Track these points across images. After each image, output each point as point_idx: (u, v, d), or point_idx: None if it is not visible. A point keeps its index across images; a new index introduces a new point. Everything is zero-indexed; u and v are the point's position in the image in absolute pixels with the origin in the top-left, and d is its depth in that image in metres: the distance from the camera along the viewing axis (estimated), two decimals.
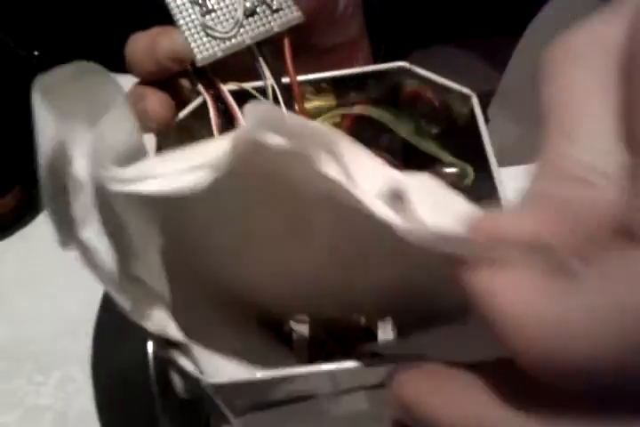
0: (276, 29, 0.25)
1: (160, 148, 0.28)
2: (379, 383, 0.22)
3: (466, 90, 0.28)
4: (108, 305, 0.31)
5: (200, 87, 0.27)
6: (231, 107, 0.26)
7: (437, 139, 0.32)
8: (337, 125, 0.32)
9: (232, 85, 0.27)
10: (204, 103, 0.28)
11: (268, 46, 0.26)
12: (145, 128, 0.28)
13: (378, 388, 0.22)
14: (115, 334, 0.29)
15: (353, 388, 0.22)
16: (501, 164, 0.27)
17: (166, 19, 0.27)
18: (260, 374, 0.20)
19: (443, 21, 0.41)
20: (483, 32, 0.44)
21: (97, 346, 0.29)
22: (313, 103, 0.30)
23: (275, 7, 0.25)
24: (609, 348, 0.11)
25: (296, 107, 0.27)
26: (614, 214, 0.12)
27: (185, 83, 0.28)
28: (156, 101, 0.27)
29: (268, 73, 0.27)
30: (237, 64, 0.27)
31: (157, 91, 0.27)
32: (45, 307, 0.41)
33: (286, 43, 0.26)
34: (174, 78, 0.28)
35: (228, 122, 0.28)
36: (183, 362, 0.20)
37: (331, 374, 0.21)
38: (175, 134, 0.29)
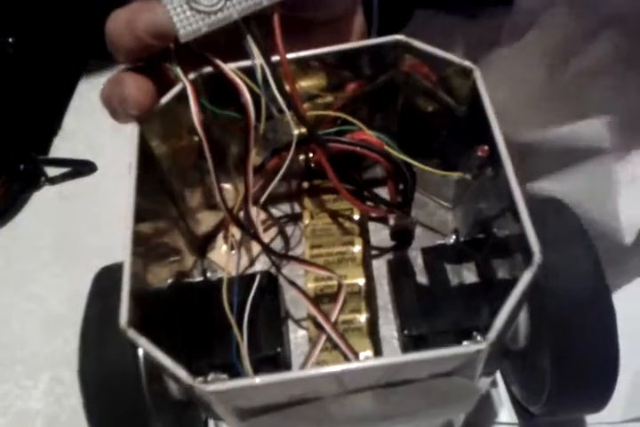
0: (265, 3, 0.23)
1: (144, 136, 0.26)
2: (385, 384, 0.20)
3: (467, 63, 0.27)
4: (94, 304, 0.29)
5: (178, 70, 0.25)
6: (235, 83, 0.25)
7: (436, 117, 0.30)
8: (329, 106, 0.30)
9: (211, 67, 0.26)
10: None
11: (256, 22, 0.24)
12: (125, 115, 0.26)
13: (384, 388, 0.21)
14: (102, 334, 0.27)
15: (359, 388, 0.21)
16: None
17: None
18: (259, 379, 0.18)
19: None
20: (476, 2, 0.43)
21: (84, 346, 0.27)
22: (303, 83, 0.28)
23: None
24: None
25: (287, 87, 0.25)
26: None
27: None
28: (135, 87, 0.25)
29: (256, 51, 0.25)
30: (222, 43, 0.25)
31: (136, 75, 0.25)
32: (32, 308, 0.39)
33: (276, 17, 0.23)
34: (159, 60, 0.26)
35: (217, 104, 0.27)
36: (175, 368, 0.18)
37: (334, 376, 0.19)
38: (160, 120, 0.27)
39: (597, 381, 0.25)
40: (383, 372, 0.20)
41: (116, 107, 0.25)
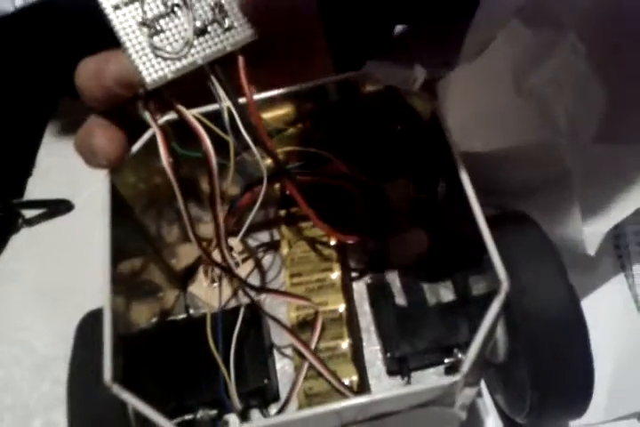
0: (228, 49, 0.24)
1: (114, 183, 0.27)
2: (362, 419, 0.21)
3: (426, 95, 0.28)
4: (79, 354, 0.29)
5: (147, 117, 0.26)
6: (196, 130, 0.25)
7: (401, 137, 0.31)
8: (296, 137, 0.31)
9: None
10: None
11: (222, 66, 0.25)
12: (97, 165, 0.26)
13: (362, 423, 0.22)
14: (88, 385, 0.27)
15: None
16: None
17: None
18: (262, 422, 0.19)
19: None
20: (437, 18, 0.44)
21: (72, 389, 0.27)
22: (268, 116, 0.29)
23: (227, 25, 0.24)
24: None
25: (256, 127, 0.26)
26: None
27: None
28: (104, 139, 0.26)
29: (222, 94, 0.25)
30: (191, 88, 0.26)
31: (106, 126, 0.26)
32: (17, 353, 0.39)
33: (240, 61, 0.24)
34: (128, 107, 0.27)
35: (188, 145, 0.27)
36: (162, 421, 0.19)
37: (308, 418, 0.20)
38: (131, 165, 0.28)
39: (574, 392, 0.26)
40: (357, 410, 0.21)
41: (87, 157, 0.26)
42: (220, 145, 0.27)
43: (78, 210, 0.47)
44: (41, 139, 0.52)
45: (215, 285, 0.33)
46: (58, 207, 0.46)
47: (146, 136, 0.27)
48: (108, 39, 0.25)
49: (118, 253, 0.27)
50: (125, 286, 0.27)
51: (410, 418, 0.21)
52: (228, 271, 0.29)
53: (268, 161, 0.27)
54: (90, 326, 0.31)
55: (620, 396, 0.34)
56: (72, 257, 0.43)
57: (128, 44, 0.24)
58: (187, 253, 0.35)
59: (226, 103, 0.25)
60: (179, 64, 0.24)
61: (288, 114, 0.30)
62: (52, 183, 0.49)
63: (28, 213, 0.46)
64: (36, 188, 0.49)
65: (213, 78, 0.25)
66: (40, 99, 0.52)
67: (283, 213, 0.34)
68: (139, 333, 0.28)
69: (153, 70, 0.24)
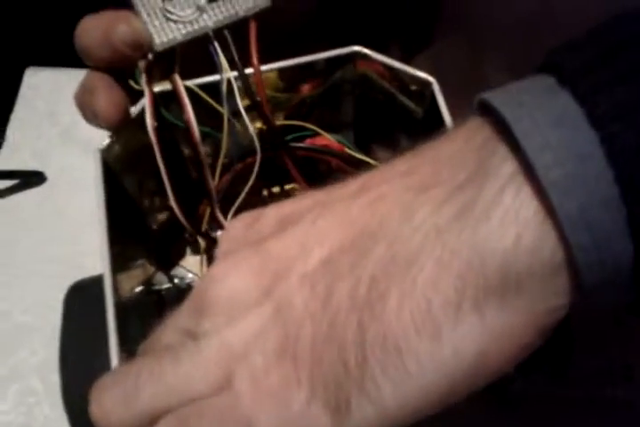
0: (241, 14, 0.25)
1: (113, 142, 0.27)
2: None
3: (424, 75, 0.28)
4: (70, 314, 0.29)
5: (143, 82, 0.26)
6: (180, 95, 0.26)
7: (393, 117, 0.32)
8: (284, 107, 0.31)
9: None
10: (159, 96, 0.27)
11: (231, 33, 0.25)
12: (94, 125, 0.27)
13: None
14: (81, 342, 0.27)
15: None
16: None
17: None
18: None
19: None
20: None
21: (62, 355, 0.27)
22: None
23: None
24: None
25: (258, 98, 0.26)
26: None
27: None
28: (107, 101, 0.26)
29: (224, 63, 0.26)
30: (196, 57, 0.26)
31: (110, 85, 0.26)
32: None
33: (252, 28, 0.25)
34: (127, 71, 0.27)
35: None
36: None
37: None
38: (130, 127, 0.28)
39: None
40: None
41: (88, 116, 0.26)
42: (214, 116, 0.27)
43: (51, 182, 0.46)
44: (10, 111, 0.51)
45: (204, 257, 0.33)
46: (30, 179, 0.46)
47: (144, 100, 0.27)
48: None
49: (110, 220, 0.27)
50: (114, 256, 0.27)
51: None
52: (213, 241, 0.30)
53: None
54: (77, 297, 0.31)
55: None
56: (45, 228, 0.43)
57: (141, 8, 0.25)
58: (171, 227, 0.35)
59: (226, 74, 0.26)
60: (190, 28, 0.25)
61: (278, 88, 0.31)
62: (24, 156, 0.48)
63: (0, 185, 0.45)
64: (8, 160, 0.48)
65: (217, 45, 0.25)
66: (6, 70, 0.51)
67: (265, 191, 0.35)
68: (127, 302, 0.28)
69: (163, 33, 0.25)
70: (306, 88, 0.31)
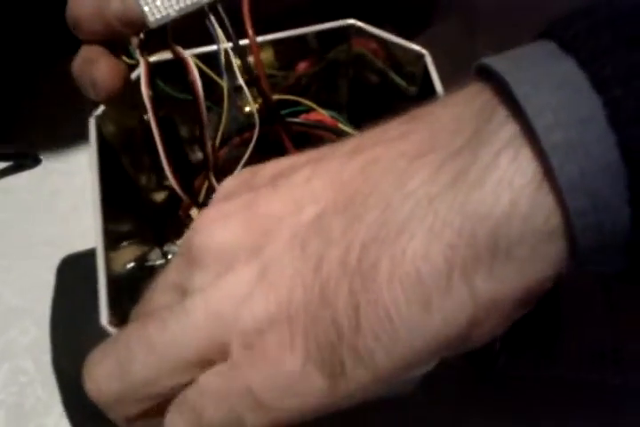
0: None
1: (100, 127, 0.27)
2: None
3: (417, 48, 0.28)
4: (61, 291, 0.29)
5: (138, 54, 0.26)
6: (189, 68, 0.26)
7: (386, 95, 0.32)
8: (279, 84, 0.31)
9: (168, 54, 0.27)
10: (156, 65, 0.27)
11: (224, 7, 0.25)
12: (92, 96, 0.26)
13: None
14: (72, 321, 0.27)
15: None
16: None
17: None
18: None
19: None
20: None
21: (54, 334, 0.27)
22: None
23: None
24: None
25: (255, 71, 0.26)
26: None
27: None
28: (108, 68, 0.26)
29: (221, 35, 0.26)
30: (188, 28, 0.26)
31: (109, 55, 0.26)
32: None
33: (245, 1, 0.25)
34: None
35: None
36: None
37: None
38: (122, 105, 0.28)
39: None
40: None
41: (86, 87, 0.26)
42: (209, 89, 0.27)
43: (45, 164, 0.46)
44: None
45: None
46: (24, 161, 0.46)
47: (137, 72, 0.27)
48: None
49: (105, 195, 0.27)
50: (107, 232, 0.27)
51: None
52: None
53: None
54: (68, 271, 0.31)
55: None
56: (39, 209, 0.43)
57: None
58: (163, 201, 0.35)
59: (223, 45, 0.26)
60: (183, 3, 0.25)
61: (274, 67, 0.31)
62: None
63: None
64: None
65: (213, 18, 0.25)
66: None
67: None
68: (120, 278, 0.28)
69: (157, 10, 0.25)
70: (302, 67, 0.31)
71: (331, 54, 0.30)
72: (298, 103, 0.31)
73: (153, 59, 0.27)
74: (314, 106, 0.31)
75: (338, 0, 0.34)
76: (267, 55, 0.30)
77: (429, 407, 0.30)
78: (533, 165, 0.15)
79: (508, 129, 0.16)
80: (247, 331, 0.18)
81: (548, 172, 0.15)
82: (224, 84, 0.27)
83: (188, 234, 0.20)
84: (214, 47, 0.26)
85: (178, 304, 0.19)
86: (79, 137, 0.38)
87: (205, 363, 0.18)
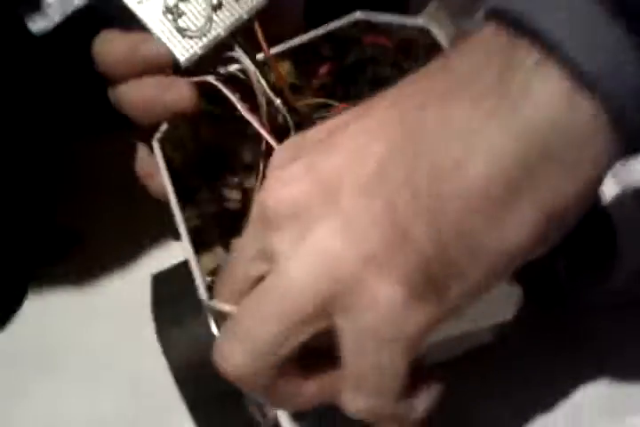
0: (245, 17, 0.28)
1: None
2: None
3: (421, 21, 0.29)
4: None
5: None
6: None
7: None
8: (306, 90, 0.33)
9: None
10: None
11: (242, 34, 0.28)
12: (165, 119, 0.28)
13: None
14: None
15: None
16: None
17: None
18: None
19: None
20: None
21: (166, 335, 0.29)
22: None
23: None
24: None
25: (281, 83, 0.29)
26: None
27: None
28: (189, 89, 0.28)
29: (247, 60, 0.28)
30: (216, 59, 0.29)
31: (183, 79, 0.28)
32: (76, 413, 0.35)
33: (257, 25, 0.27)
34: None
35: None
36: None
37: None
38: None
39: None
40: None
41: (156, 112, 0.28)
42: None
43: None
44: None
45: None
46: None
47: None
48: None
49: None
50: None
51: None
52: None
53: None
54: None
55: None
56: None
57: (158, 32, 0.28)
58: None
59: (252, 67, 0.28)
60: (205, 40, 0.28)
61: (297, 77, 0.33)
62: None
63: None
64: None
65: (237, 47, 0.28)
66: None
67: None
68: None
69: (184, 50, 0.28)
70: (322, 71, 0.33)
71: (349, 59, 0.32)
72: (328, 105, 0.34)
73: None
74: (339, 104, 0.33)
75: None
76: (285, 66, 0.32)
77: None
78: (565, 73, 0.17)
79: (535, 54, 0.18)
80: (347, 281, 0.19)
81: (581, 76, 0.17)
82: (262, 101, 0.29)
83: (257, 201, 0.21)
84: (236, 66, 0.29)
85: (272, 272, 0.20)
86: None
87: (322, 317, 0.19)
